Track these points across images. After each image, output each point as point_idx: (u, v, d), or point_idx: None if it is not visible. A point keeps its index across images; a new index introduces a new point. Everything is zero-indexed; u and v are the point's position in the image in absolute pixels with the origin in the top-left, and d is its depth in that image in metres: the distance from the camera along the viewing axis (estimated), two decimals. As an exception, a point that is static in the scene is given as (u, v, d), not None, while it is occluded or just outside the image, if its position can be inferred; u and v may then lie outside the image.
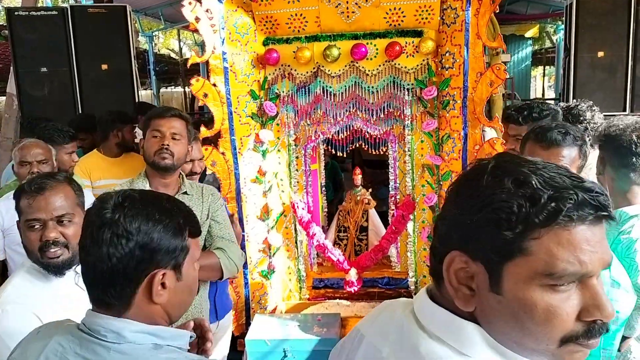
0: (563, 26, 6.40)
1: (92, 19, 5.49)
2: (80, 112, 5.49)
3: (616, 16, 5.35)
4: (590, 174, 1.83)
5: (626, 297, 1.35)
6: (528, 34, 13.47)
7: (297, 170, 3.20)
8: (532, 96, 14.17)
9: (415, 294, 3.20)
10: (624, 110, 5.37)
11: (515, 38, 13.56)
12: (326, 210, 3.79)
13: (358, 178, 3.52)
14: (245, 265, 3.02)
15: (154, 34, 11.71)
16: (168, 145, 2.23)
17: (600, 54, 5.53)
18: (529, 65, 14.32)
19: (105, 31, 5.50)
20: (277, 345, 2.64)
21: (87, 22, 5.46)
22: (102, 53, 5.54)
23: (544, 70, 14.76)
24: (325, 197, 3.76)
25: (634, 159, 1.68)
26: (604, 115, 4.56)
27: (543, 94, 14.35)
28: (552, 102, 9.09)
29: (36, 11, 5.42)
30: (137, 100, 5.64)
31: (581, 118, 2.69)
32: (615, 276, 1.35)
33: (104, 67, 5.58)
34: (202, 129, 2.84)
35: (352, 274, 3.12)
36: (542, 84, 16.23)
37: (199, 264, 2.02)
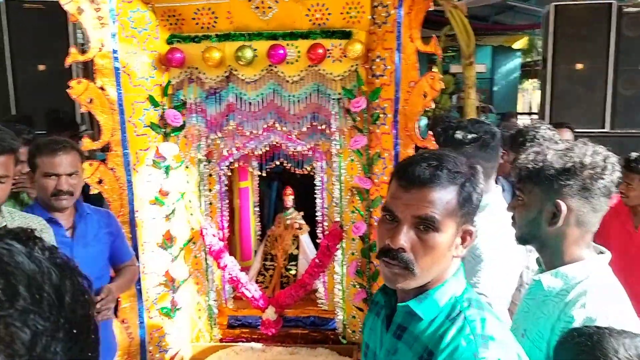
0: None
1: (29, 15, 5.05)
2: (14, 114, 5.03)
3: (596, 26, 4.94)
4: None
5: None
6: (516, 46, 13.10)
7: (209, 190, 2.75)
8: (519, 109, 13.76)
9: (343, 336, 2.77)
10: (603, 127, 4.95)
11: (503, 49, 13.19)
12: (260, 233, 3.35)
13: (289, 199, 3.08)
14: (140, 301, 2.57)
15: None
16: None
17: (579, 66, 5.12)
18: (517, 78, 13.94)
19: (44, 28, 5.06)
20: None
21: (23, 17, 5.03)
22: (39, 52, 5.10)
23: (533, 82, 14.39)
24: (259, 219, 3.33)
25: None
26: (583, 133, 4.16)
27: (530, 108, 13.96)
28: (535, 116, 8.72)
29: (-34, 5, 4.97)
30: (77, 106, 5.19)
31: (521, 139, 2.26)
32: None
33: (42, 67, 5.14)
34: (86, 140, 2.40)
35: (270, 313, 2.67)
36: (534, 98, 15.86)
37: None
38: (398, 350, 1.06)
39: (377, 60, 2.42)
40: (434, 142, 2.23)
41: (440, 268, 1.04)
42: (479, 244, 1.73)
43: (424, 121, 7.63)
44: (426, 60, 9.27)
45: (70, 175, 1.95)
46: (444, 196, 1.01)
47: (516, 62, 13.75)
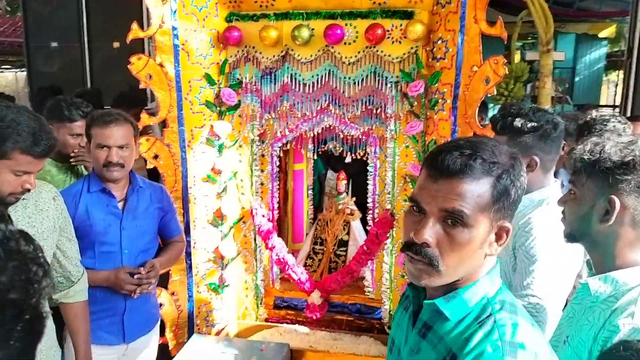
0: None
1: (106, -6, 5.26)
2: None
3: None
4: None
5: None
6: (603, 34, 12.28)
7: (261, 170, 2.75)
8: (602, 102, 12.91)
9: (388, 327, 2.70)
10: (692, 125, 4.51)
11: (588, 38, 12.39)
12: (312, 217, 3.33)
13: (341, 184, 3.03)
14: (189, 275, 2.62)
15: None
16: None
17: (670, 56, 4.70)
18: (601, 68, 13.08)
19: (119, 8, 5.26)
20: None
21: (100, -3, 5.25)
22: (114, 30, 5.30)
23: (619, 74, 13.43)
24: (312, 202, 3.31)
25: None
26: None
27: (614, 101, 13.06)
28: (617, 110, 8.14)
29: (50, -16, 5.24)
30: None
31: (587, 131, 2.07)
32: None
33: (116, 45, 5.34)
34: (144, 115, 2.45)
35: (315, 297, 2.65)
36: (621, 90, 14.79)
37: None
38: (421, 350, 0.98)
39: (439, 42, 2.30)
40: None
41: (469, 266, 0.96)
42: (534, 242, 1.61)
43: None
44: (503, 48, 8.87)
45: (121, 147, 1.98)
46: (476, 189, 0.91)
47: (601, 51, 12.89)
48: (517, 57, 8.99)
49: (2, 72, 13.25)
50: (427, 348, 0.97)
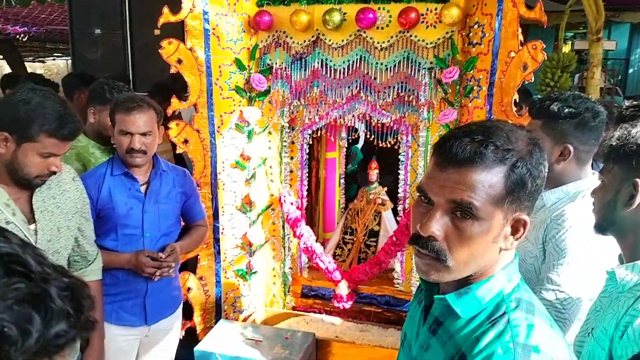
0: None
1: (147, -18, 5.31)
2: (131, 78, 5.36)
3: None
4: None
5: None
6: (661, 23, 11.62)
7: (290, 158, 2.72)
8: (657, 95, 12.26)
9: (417, 321, 2.64)
10: None
11: (644, 27, 11.77)
12: (344, 206, 3.29)
13: (373, 173, 2.97)
14: (217, 260, 2.62)
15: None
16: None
17: None
18: (658, 59, 12.40)
19: (161, -5, 5.30)
20: (224, 363, 2.23)
21: (142, -15, 5.30)
22: (155, 18, 5.34)
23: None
24: (343, 191, 3.27)
25: None
26: None
27: (671, 94, 12.36)
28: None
29: (93, -29, 5.34)
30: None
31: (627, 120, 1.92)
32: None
33: (157, 32, 5.39)
34: (174, 100, 2.45)
35: (342, 287, 2.61)
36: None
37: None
38: (430, 347, 0.92)
39: (475, 26, 2.20)
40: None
41: (482, 261, 0.88)
42: (565, 235, 1.52)
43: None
44: (553, 38, 8.48)
45: (144, 134, 1.96)
46: (487, 179, 0.83)
47: (658, 41, 12.25)
48: (567, 48, 8.62)
49: (54, 60, 13.72)
50: (436, 345, 0.91)
